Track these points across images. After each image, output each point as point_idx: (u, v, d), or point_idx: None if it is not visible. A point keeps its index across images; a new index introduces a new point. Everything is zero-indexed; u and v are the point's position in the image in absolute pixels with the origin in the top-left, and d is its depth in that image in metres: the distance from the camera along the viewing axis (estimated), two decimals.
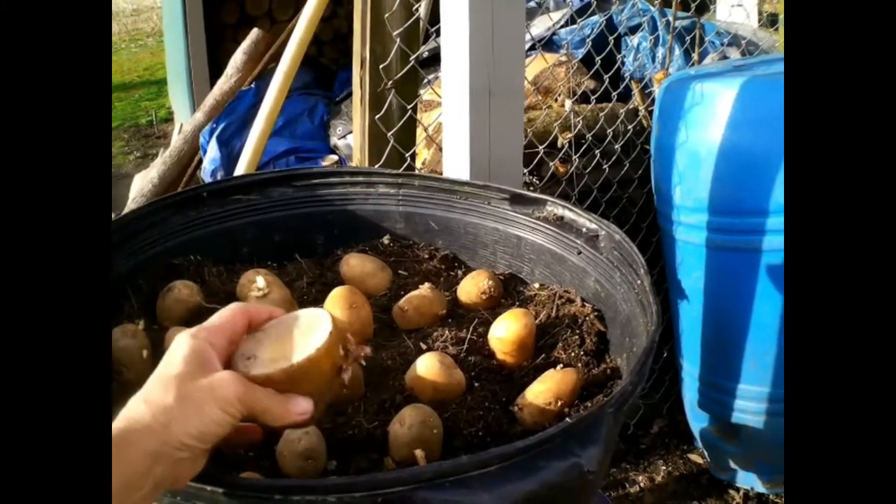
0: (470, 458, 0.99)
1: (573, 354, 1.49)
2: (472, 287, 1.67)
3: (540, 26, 3.79)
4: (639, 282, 1.44)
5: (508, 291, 1.72)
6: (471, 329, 1.53)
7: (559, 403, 1.34)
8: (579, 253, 1.64)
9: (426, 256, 1.82)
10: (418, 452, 1.21)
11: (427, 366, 1.35)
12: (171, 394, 0.95)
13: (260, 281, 1.52)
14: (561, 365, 1.44)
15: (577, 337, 1.53)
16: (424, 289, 1.63)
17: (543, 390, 1.35)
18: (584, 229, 1.64)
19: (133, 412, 0.93)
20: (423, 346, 1.49)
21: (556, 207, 1.70)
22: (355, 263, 1.72)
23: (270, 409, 1.02)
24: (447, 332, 1.52)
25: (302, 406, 1.05)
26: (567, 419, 1.06)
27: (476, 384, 1.41)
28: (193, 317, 1.54)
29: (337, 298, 1.51)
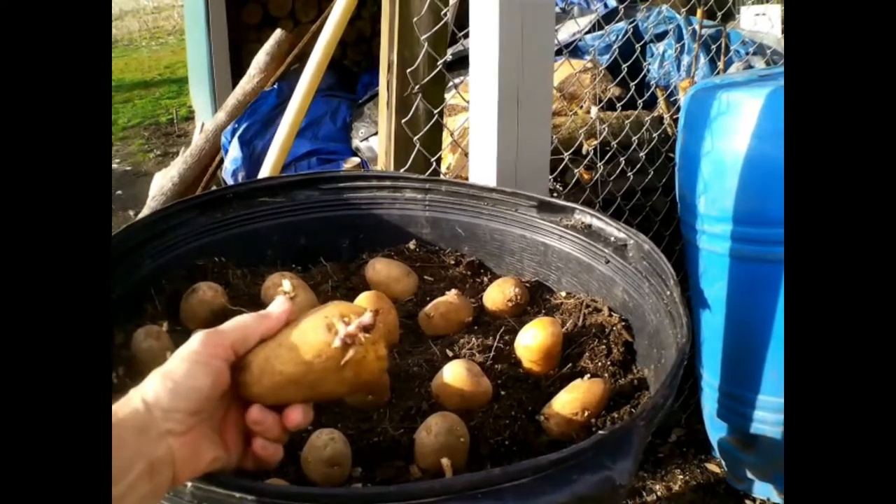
0: (503, 469, 0.98)
1: (600, 364, 1.49)
2: (498, 294, 1.66)
3: (565, 32, 3.79)
4: (668, 293, 1.44)
5: (535, 299, 1.72)
6: (497, 337, 1.52)
7: (586, 414, 1.33)
8: (607, 262, 1.64)
9: (452, 262, 1.82)
10: (445, 461, 1.21)
11: (454, 373, 1.35)
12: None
13: (286, 284, 1.51)
14: (588, 375, 1.43)
15: (604, 347, 1.52)
16: (451, 295, 1.63)
17: (570, 400, 1.34)
18: (612, 238, 1.64)
19: (124, 399, 0.95)
20: (450, 353, 1.49)
21: (585, 216, 1.69)
22: (381, 268, 1.72)
23: (246, 326, 1.05)
24: (473, 339, 1.52)
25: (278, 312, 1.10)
26: (600, 432, 1.06)
27: (502, 392, 1.40)
28: (217, 319, 1.54)
29: (363, 303, 1.50)
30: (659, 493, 3.08)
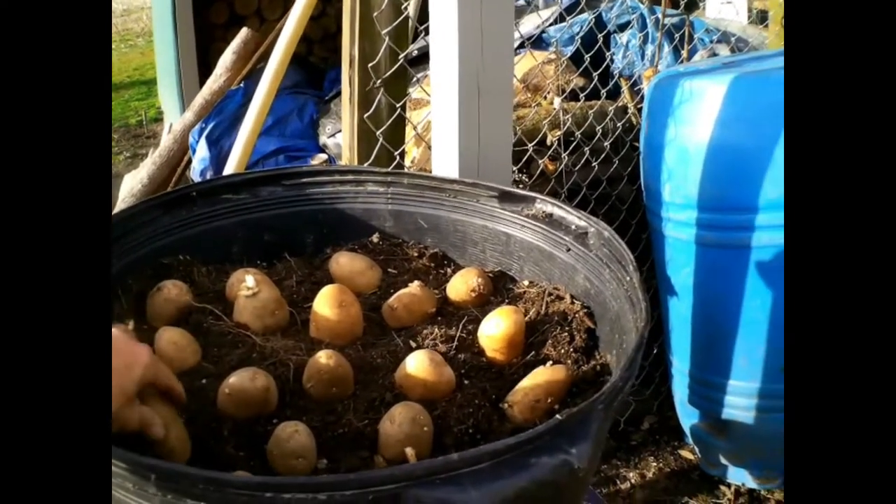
0: (461, 455, 0.99)
1: (563, 351, 1.50)
2: (461, 285, 1.67)
3: (529, 24, 3.79)
4: (628, 278, 1.44)
5: (498, 289, 1.72)
6: (460, 327, 1.53)
7: (549, 400, 1.34)
8: (568, 250, 1.65)
9: (415, 254, 1.83)
10: (409, 450, 1.21)
11: (417, 364, 1.36)
12: None
13: (249, 280, 1.52)
14: (551, 362, 1.44)
15: (566, 334, 1.53)
16: (414, 287, 1.64)
17: (533, 387, 1.36)
18: (573, 226, 1.64)
19: None
20: (413, 344, 1.50)
21: (546, 205, 1.70)
22: (345, 262, 1.72)
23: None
24: (436, 329, 1.53)
25: None
26: (556, 416, 1.06)
27: (466, 382, 1.41)
28: (183, 316, 1.55)
29: (326, 297, 1.51)
30: (633, 481, 3.09)
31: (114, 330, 1.16)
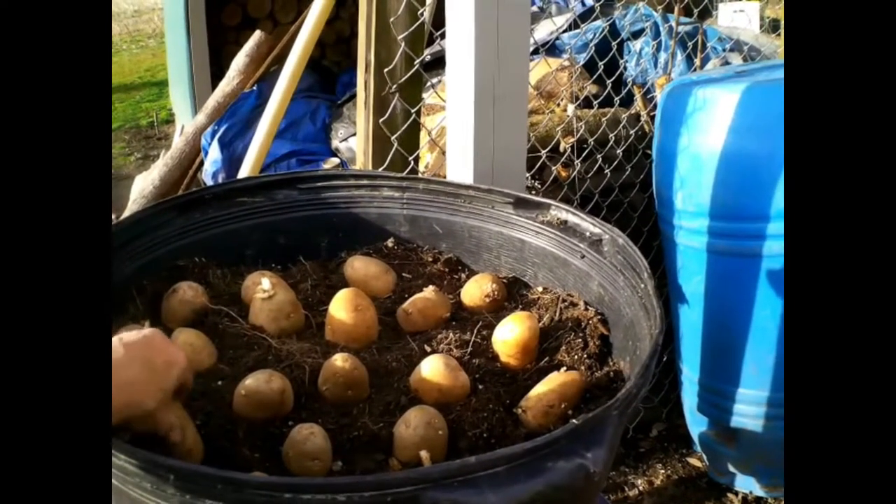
0: (478, 458, 0.99)
1: (576, 357, 1.50)
2: (475, 290, 1.68)
3: (543, 31, 3.79)
4: (642, 285, 1.45)
5: (512, 295, 1.73)
6: (475, 332, 1.54)
7: (563, 406, 1.35)
8: (583, 257, 1.65)
9: (430, 259, 1.83)
10: (423, 454, 1.22)
11: (432, 368, 1.36)
12: None
13: (265, 283, 1.53)
14: (564, 368, 1.45)
15: (580, 340, 1.54)
16: (428, 291, 1.64)
17: (547, 392, 1.36)
18: (587, 233, 1.65)
19: None
20: (428, 349, 1.50)
21: (560, 212, 1.71)
22: (360, 266, 1.73)
23: None
24: (451, 334, 1.53)
25: None
26: (573, 421, 1.07)
27: (480, 386, 1.42)
28: (199, 318, 1.55)
29: (342, 301, 1.52)
30: (641, 488, 3.09)
31: (150, 330, 1.18)
